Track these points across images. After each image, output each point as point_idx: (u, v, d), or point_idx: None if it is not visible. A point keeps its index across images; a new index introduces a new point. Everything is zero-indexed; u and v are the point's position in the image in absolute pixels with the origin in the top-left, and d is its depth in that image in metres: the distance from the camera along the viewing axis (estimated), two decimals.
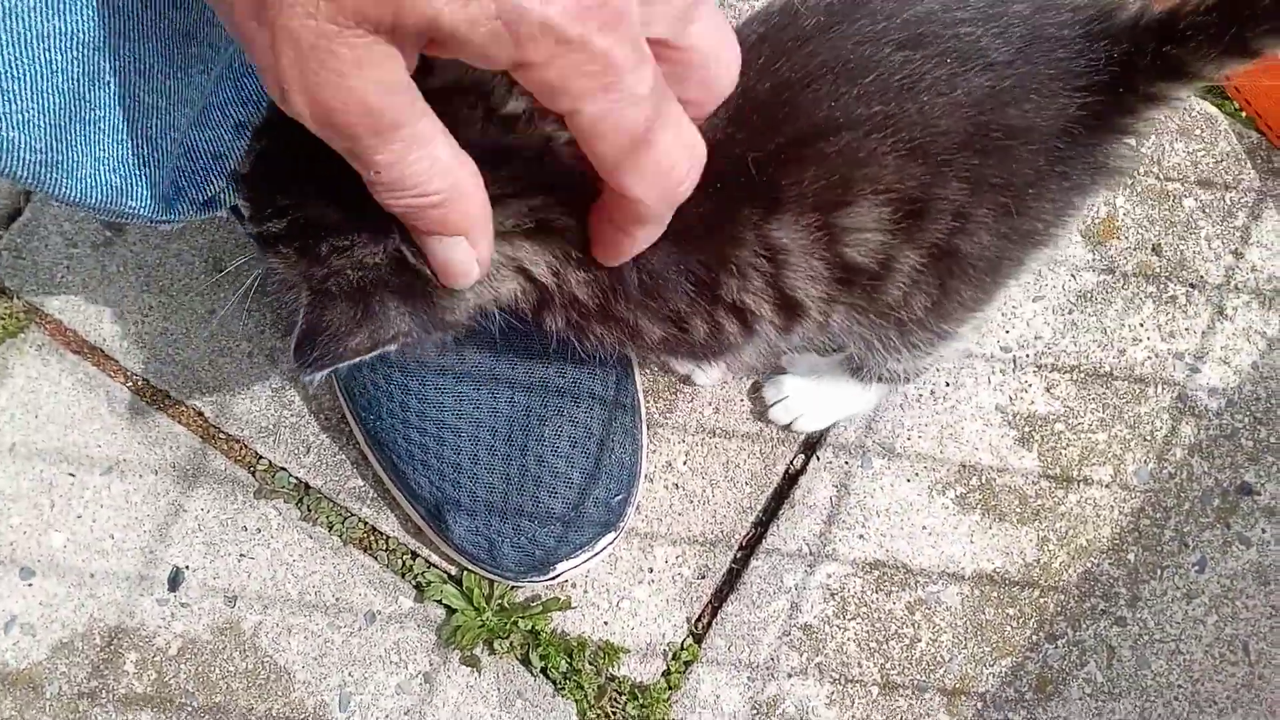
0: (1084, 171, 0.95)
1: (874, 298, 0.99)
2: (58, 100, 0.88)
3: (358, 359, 0.89)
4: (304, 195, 0.86)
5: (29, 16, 0.83)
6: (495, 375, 1.30)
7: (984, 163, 0.91)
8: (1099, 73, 0.91)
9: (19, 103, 0.86)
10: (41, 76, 0.86)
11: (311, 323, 0.88)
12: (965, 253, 0.96)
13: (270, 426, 1.41)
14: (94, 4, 0.86)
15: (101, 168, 0.94)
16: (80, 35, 0.86)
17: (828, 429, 1.41)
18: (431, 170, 0.75)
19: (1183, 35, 0.87)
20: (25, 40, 0.84)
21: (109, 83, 0.91)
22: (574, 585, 1.37)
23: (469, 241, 0.81)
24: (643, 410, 1.39)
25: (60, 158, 0.91)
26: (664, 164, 0.76)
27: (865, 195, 0.91)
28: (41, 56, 0.85)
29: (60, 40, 0.85)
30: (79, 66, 0.87)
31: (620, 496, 1.33)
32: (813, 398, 1.38)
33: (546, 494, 1.30)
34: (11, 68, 0.84)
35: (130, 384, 1.44)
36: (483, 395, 1.30)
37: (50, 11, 0.84)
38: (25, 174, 0.91)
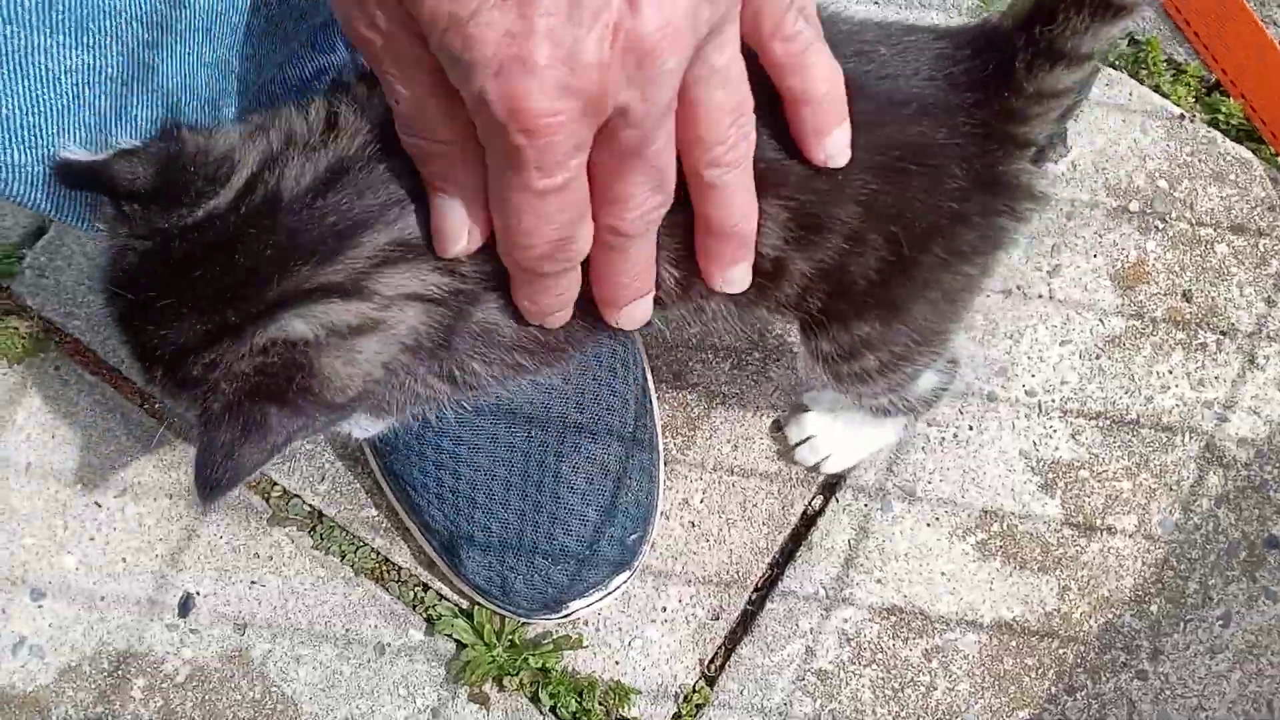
0: (979, 200, 0.93)
1: (764, 292, 0.96)
2: (84, 135, 0.86)
3: (260, 469, 0.87)
4: (161, 329, 0.84)
5: (59, 52, 0.82)
6: (513, 409, 1.25)
7: (881, 188, 0.89)
8: (985, 81, 0.90)
9: (45, 137, 0.84)
10: (69, 111, 0.84)
11: (202, 448, 0.84)
12: (854, 274, 0.94)
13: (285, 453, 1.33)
14: (123, 38, 0.85)
15: None
16: (108, 69, 0.84)
17: (848, 470, 1.35)
18: (445, 122, 0.78)
19: (1050, 13, 0.86)
20: (55, 75, 0.83)
21: (135, 116, 0.89)
22: (586, 623, 1.33)
23: (466, 206, 0.82)
24: (661, 447, 1.35)
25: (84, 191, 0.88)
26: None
27: (768, 197, 0.88)
28: (70, 91, 0.84)
29: (88, 74, 0.84)
30: (106, 101, 0.86)
31: (636, 535, 1.29)
32: (838, 435, 1.34)
33: (561, 531, 1.26)
34: (39, 102, 0.83)
35: (147, 407, 1.41)
36: (500, 430, 1.26)
37: (80, 47, 0.83)
38: (49, 206, 0.89)
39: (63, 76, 0.83)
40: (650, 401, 1.34)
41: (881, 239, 0.91)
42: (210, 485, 0.84)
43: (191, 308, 0.83)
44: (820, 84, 0.84)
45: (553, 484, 1.26)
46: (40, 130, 0.84)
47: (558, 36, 0.70)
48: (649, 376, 1.35)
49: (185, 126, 0.85)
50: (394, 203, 0.84)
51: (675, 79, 0.75)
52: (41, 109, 0.83)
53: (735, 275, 0.89)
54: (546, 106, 0.71)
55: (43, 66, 0.82)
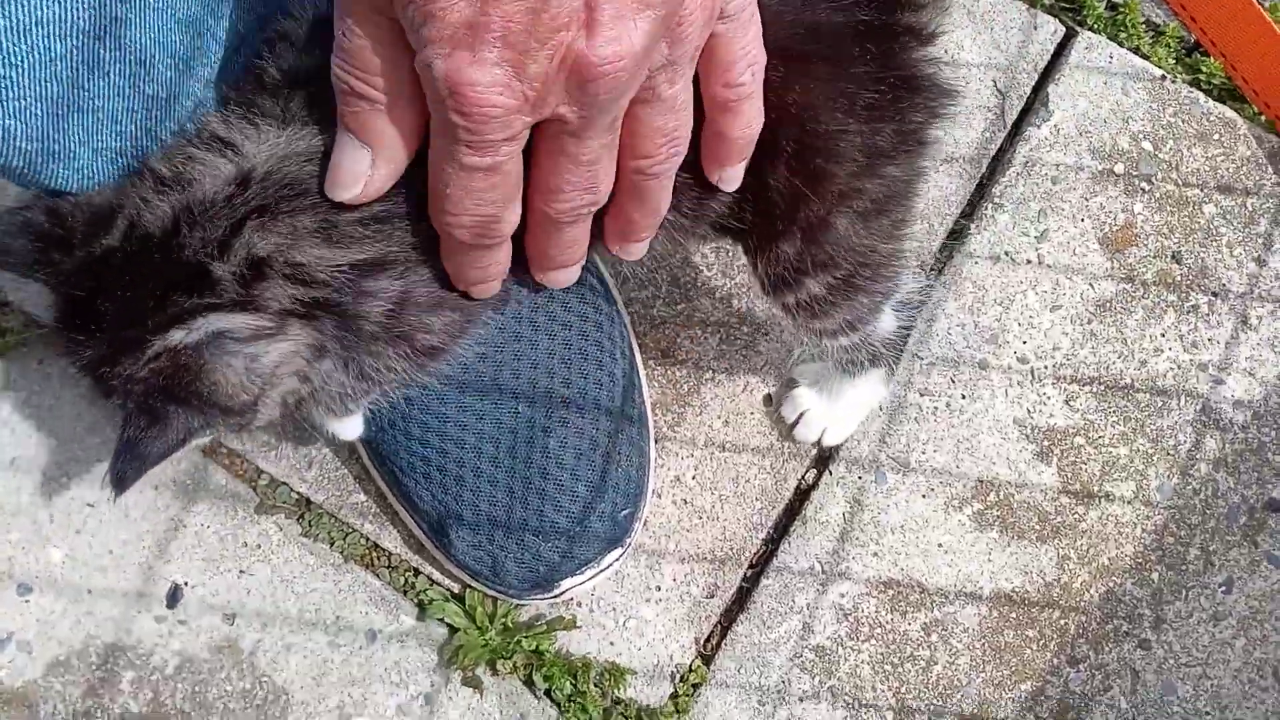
0: (889, 93, 0.91)
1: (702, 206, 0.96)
2: (56, 89, 0.82)
3: (164, 460, 0.92)
4: (85, 348, 0.90)
5: (29, 3, 0.78)
6: (499, 385, 1.19)
7: (786, 73, 0.89)
8: None
9: (17, 90, 0.80)
10: (40, 64, 0.80)
11: (120, 442, 0.90)
12: (771, 187, 0.95)
13: (272, 441, 1.30)
14: None
15: (99, 159, 0.89)
16: (80, 23, 0.80)
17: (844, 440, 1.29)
18: (381, 69, 0.79)
19: None
20: (24, 27, 0.78)
21: (108, 72, 0.85)
22: (579, 604, 1.25)
23: (373, 157, 0.83)
24: (650, 422, 1.28)
25: (58, 148, 0.86)
26: None
27: None
28: (40, 44, 0.79)
29: (59, 27, 0.79)
30: (78, 55, 0.81)
31: (627, 511, 1.21)
32: (831, 405, 1.26)
33: (551, 508, 1.18)
34: (10, 55, 0.79)
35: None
36: (486, 406, 1.18)
37: None
38: (21, 164, 0.85)
39: (32, 28, 0.78)
40: (638, 376, 1.27)
41: (792, 147, 0.91)
42: (118, 476, 0.89)
43: (102, 330, 0.89)
44: (742, 129, 0.88)
45: (541, 460, 1.18)
46: (13, 84, 0.80)
47: (512, 40, 0.73)
48: (637, 353, 1.29)
49: (59, 197, 0.90)
50: (237, 228, 0.86)
51: (617, 105, 0.79)
52: (13, 62, 0.79)
53: (634, 249, 0.93)
54: (484, 97, 0.74)
55: (11, 17, 0.77)
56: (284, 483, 1.28)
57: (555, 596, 1.21)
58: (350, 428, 1.14)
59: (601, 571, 1.20)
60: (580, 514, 1.18)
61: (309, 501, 1.28)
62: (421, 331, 0.94)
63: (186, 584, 1.26)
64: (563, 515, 1.18)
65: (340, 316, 0.89)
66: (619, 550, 1.21)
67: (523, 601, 1.22)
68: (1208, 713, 1.22)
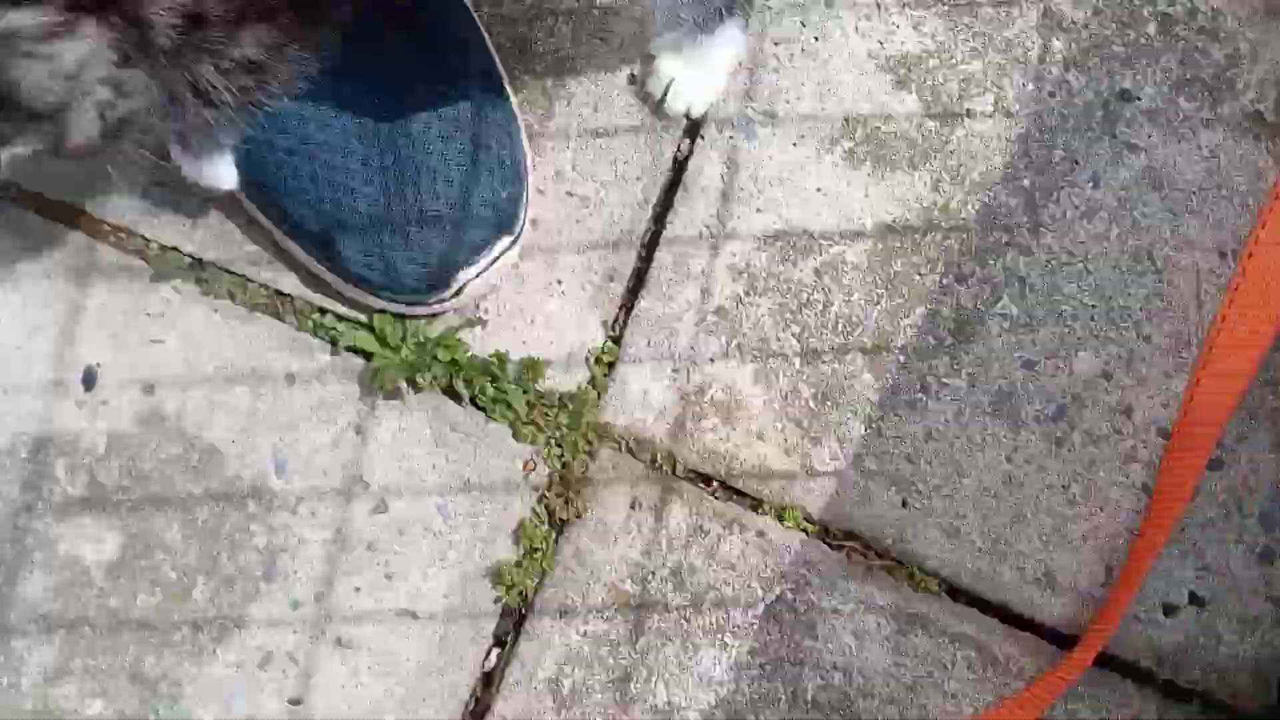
0: None
1: None
2: None
3: None
4: None
5: None
6: (351, 82, 1.08)
7: None
8: None
9: None
10: None
11: None
12: None
13: (152, 209, 1.20)
14: None
15: None
16: None
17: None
18: None
19: None
20: None
21: None
22: (485, 311, 1.19)
23: None
24: (516, 109, 1.18)
25: None
26: None
27: None
28: None
29: None
30: None
31: (507, 192, 1.14)
32: (694, 69, 1.16)
33: (429, 197, 1.11)
34: None
35: (6, 194, 1.21)
36: (344, 104, 1.09)
37: None
38: None
39: None
40: (494, 64, 1.16)
41: None
42: None
43: None
44: None
45: (408, 149, 1.10)
46: None
47: None
48: (488, 39, 1.17)
49: None
50: None
51: None
52: None
53: None
54: None
55: None
56: (173, 247, 1.20)
57: (456, 294, 1.14)
58: (222, 173, 1.07)
59: (494, 261, 1.13)
60: (459, 199, 1.11)
61: (201, 261, 1.20)
62: (231, 46, 0.85)
63: (99, 364, 1.18)
64: (441, 202, 1.11)
65: (129, 21, 0.79)
66: (508, 238, 1.14)
67: (427, 309, 1.15)
68: (1094, 305, 1.20)
